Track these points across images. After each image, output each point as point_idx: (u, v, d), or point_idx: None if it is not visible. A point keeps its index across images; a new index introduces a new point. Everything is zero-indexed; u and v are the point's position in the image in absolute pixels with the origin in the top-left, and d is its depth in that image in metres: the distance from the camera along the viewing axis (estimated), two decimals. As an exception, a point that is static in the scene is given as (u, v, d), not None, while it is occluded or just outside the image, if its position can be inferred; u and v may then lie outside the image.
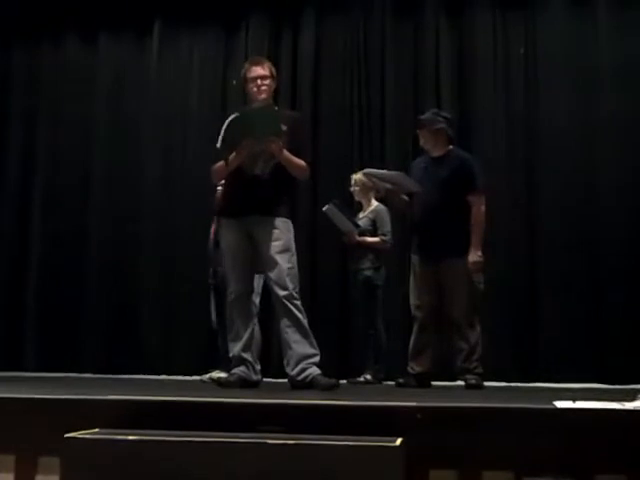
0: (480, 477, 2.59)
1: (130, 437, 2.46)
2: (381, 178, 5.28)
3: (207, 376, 5.61)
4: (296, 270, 4.27)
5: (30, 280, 7.72)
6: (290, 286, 4.18)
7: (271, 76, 4.50)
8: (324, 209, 5.98)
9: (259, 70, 4.47)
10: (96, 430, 2.62)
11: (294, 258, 4.28)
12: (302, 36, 7.66)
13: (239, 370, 4.32)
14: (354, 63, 7.50)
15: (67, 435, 2.50)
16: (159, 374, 6.83)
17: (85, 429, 2.59)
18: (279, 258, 4.20)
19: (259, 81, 4.44)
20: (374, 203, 6.18)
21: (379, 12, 7.51)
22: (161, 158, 7.70)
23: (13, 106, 8.09)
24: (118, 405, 2.83)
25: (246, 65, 4.57)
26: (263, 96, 4.44)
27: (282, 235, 4.25)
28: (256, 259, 4.32)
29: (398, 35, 7.47)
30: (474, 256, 4.91)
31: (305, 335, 4.18)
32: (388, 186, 5.23)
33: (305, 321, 4.21)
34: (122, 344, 7.34)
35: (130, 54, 7.96)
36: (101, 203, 7.72)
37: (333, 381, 4.08)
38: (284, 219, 4.30)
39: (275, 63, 7.46)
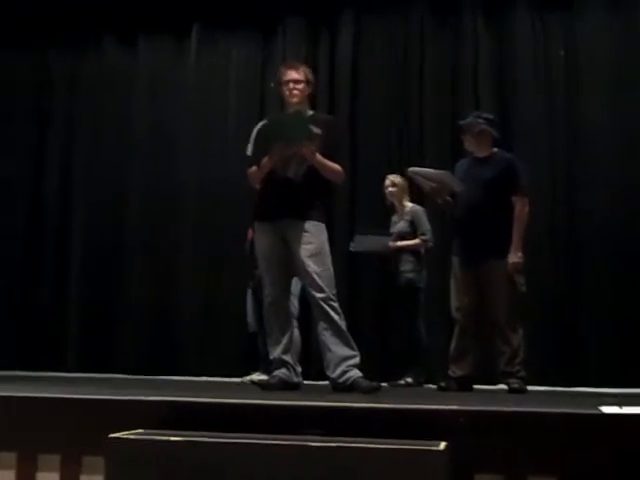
0: (527, 482, 2.55)
1: (173, 438, 2.46)
2: (426, 177, 5.24)
3: (247, 378, 5.63)
4: (331, 272, 4.22)
5: (72, 283, 7.83)
6: (325, 288, 4.15)
7: (306, 81, 4.47)
8: (352, 249, 5.98)
9: (293, 74, 4.46)
10: (140, 430, 2.63)
11: (328, 260, 4.23)
12: (340, 38, 7.68)
13: (280, 372, 4.31)
14: (392, 65, 7.49)
15: (111, 435, 2.52)
16: (198, 376, 6.85)
17: (129, 429, 2.60)
18: (311, 261, 4.17)
19: (292, 84, 4.43)
20: (408, 205, 6.12)
21: (417, 14, 7.51)
22: (199, 160, 7.77)
23: (54, 108, 8.23)
24: (161, 406, 2.84)
25: (281, 69, 4.58)
26: (295, 100, 4.43)
27: (313, 238, 4.21)
28: (291, 262, 4.30)
29: (436, 37, 7.48)
30: (514, 257, 4.87)
31: (343, 337, 4.15)
32: (433, 185, 5.19)
33: (343, 323, 4.17)
34: (162, 345, 7.41)
35: (168, 57, 8.05)
36: (140, 205, 7.82)
37: (374, 384, 4.06)
38: (316, 222, 4.24)
39: (312, 65, 7.50)
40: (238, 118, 7.68)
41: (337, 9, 7.69)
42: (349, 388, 4.03)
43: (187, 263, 7.60)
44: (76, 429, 2.81)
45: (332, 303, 4.17)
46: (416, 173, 5.35)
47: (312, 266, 4.17)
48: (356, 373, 4.09)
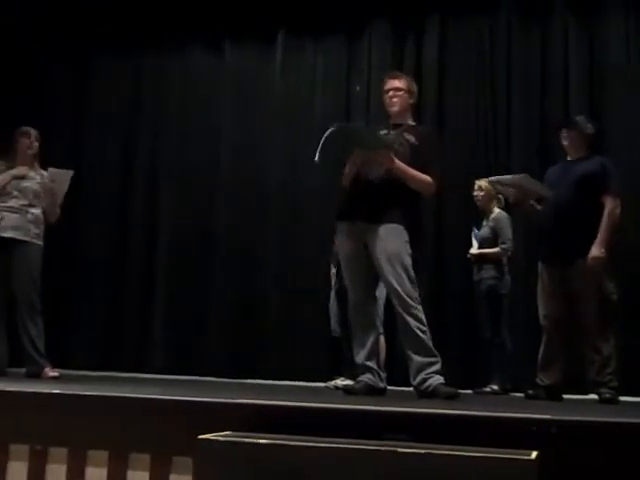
0: (620, 495, 2.48)
1: (261, 441, 2.48)
2: (505, 183, 5.18)
3: (332, 383, 5.63)
4: (411, 276, 4.14)
5: (156, 288, 7.97)
6: (402, 294, 4.09)
7: (407, 90, 4.49)
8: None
9: (395, 82, 4.50)
10: (228, 433, 2.66)
11: (407, 263, 4.14)
12: (426, 40, 7.63)
13: (365, 377, 4.29)
14: (479, 68, 7.40)
15: (200, 436, 2.55)
16: (280, 380, 6.86)
17: (218, 431, 2.63)
18: (389, 265, 4.11)
19: (392, 92, 4.47)
20: (495, 210, 6.08)
21: (504, 16, 7.40)
22: (286, 165, 7.81)
23: (142, 115, 8.39)
24: (249, 409, 2.87)
25: (385, 78, 4.61)
26: (395, 109, 4.46)
27: (391, 241, 4.15)
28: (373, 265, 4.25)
29: (524, 37, 7.36)
30: (596, 251, 4.72)
31: (422, 344, 4.08)
32: (512, 190, 5.12)
33: (424, 328, 4.09)
34: (246, 349, 7.47)
35: (254, 63, 8.12)
36: (226, 207, 7.91)
37: (453, 391, 4.01)
38: (396, 225, 4.18)
39: (398, 69, 7.54)
40: (323, 122, 7.67)
41: (423, 11, 7.64)
42: (430, 395, 3.99)
43: (272, 265, 7.65)
44: (166, 429, 2.86)
45: (411, 310, 4.10)
46: (495, 182, 5.30)
47: (390, 270, 4.12)
48: (437, 380, 4.03)
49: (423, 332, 4.10)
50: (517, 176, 5.17)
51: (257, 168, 7.87)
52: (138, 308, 7.96)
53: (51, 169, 5.46)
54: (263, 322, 7.55)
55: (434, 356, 4.11)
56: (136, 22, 8.20)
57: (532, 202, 5.11)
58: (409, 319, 4.09)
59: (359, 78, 7.72)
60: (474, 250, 6.04)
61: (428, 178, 4.26)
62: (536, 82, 7.21)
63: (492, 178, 5.40)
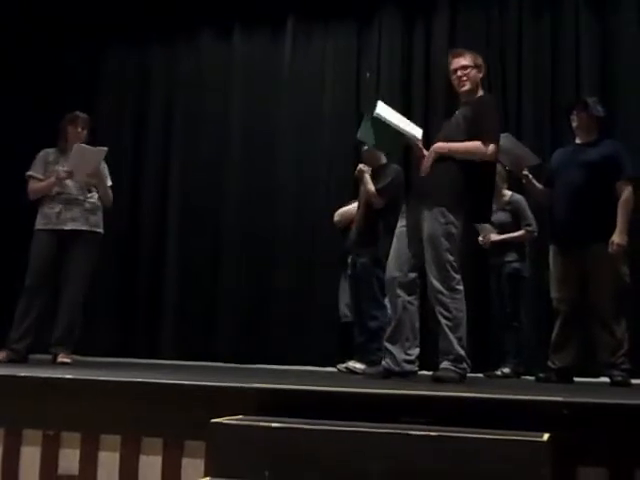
0: (633, 476, 2.47)
1: (274, 424, 2.49)
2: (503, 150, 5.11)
3: (343, 366, 5.63)
4: (446, 259, 4.08)
5: (168, 273, 7.97)
6: (433, 278, 4.08)
7: (475, 66, 4.38)
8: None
9: (461, 61, 4.38)
10: (240, 417, 2.67)
11: (442, 248, 4.09)
12: (435, 29, 7.57)
13: (384, 361, 4.29)
14: (489, 58, 7.30)
15: (213, 420, 2.56)
16: (290, 364, 6.84)
17: (230, 415, 2.64)
18: (429, 246, 4.12)
19: (460, 72, 4.36)
20: (507, 193, 6.02)
21: (515, 6, 7.34)
22: (295, 151, 7.78)
23: (151, 101, 8.37)
24: (262, 393, 2.87)
25: (449, 58, 4.49)
26: (466, 88, 4.37)
27: (429, 226, 4.14)
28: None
29: (535, 22, 7.29)
30: (619, 238, 4.70)
31: (451, 329, 4.05)
32: (505, 157, 5.06)
33: (457, 314, 4.06)
34: (255, 334, 7.49)
35: (264, 50, 8.08)
36: (235, 197, 7.88)
37: (457, 376, 4.00)
38: (442, 208, 4.14)
39: (408, 56, 7.54)
40: (334, 109, 7.69)
41: (433, -1, 7.59)
42: (436, 379, 3.98)
43: (281, 252, 7.64)
44: (178, 414, 2.88)
45: (442, 297, 4.07)
46: None
47: (428, 251, 4.12)
48: (447, 365, 4.03)
49: (449, 321, 4.05)
50: (512, 143, 5.11)
51: (267, 154, 7.84)
52: (150, 295, 7.96)
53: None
54: (274, 307, 7.55)
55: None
56: (145, 8, 8.18)
57: (529, 176, 5.08)
58: (439, 308, 4.08)
59: (369, 64, 7.68)
60: (496, 236, 5.93)
61: (476, 143, 4.20)
62: (547, 70, 7.15)
63: None
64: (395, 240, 4.36)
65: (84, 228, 5.36)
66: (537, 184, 5.15)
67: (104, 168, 5.53)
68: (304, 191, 7.70)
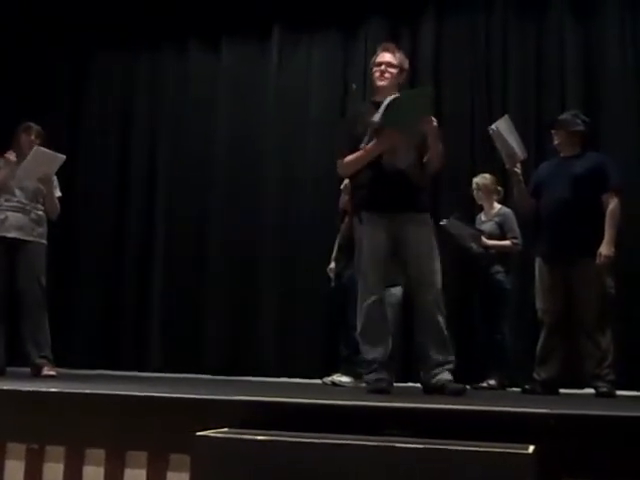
0: (616, 488, 2.48)
1: (259, 437, 2.48)
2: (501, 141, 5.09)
3: (329, 379, 5.63)
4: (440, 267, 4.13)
5: (155, 284, 7.94)
6: (436, 285, 4.09)
7: (399, 67, 4.35)
8: (442, 223, 5.77)
9: (387, 56, 4.34)
10: (225, 429, 2.66)
11: (437, 253, 4.14)
12: (421, 38, 7.58)
13: (386, 375, 4.16)
14: (475, 65, 7.37)
15: (198, 434, 2.55)
16: (276, 376, 6.84)
17: (215, 428, 2.63)
18: (429, 256, 4.11)
19: (384, 67, 4.31)
20: (497, 206, 6.08)
21: (500, 13, 7.37)
22: (281, 160, 7.78)
23: (136, 110, 8.36)
24: (247, 406, 2.86)
25: (378, 50, 4.44)
26: (383, 83, 4.31)
27: (428, 232, 4.15)
28: (399, 257, 4.19)
29: (520, 34, 7.31)
30: (607, 250, 4.73)
31: (443, 341, 4.06)
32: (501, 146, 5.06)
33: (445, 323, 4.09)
34: (240, 346, 7.46)
35: (250, 59, 8.07)
36: (222, 204, 7.86)
37: (460, 387, 4.00)
38: (427, 214, 4.18)
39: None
40: (320, 118, 7.68)
41: (419, 7, 7.60)
42: (438, 390, 3.97)
43: (267, 263, 7.62)
44: (163, 427, 2.86)
45: (439, 303, 4.08)
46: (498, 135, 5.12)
47: (429, 261, 4.10)
48: (446, 376, 4.03)
49: (446, 328, 4.08)
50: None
51: (253, 163, 7.83)
52: (135, 307, 7.92)
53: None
54: (260, 320, 7.52)
55: (451, 355, 4.10)
56: (131, 17, 8.17)
57: (520, 176, 5.06)
58: (438, 314, 4.06)
59: (355, 74, 7.69)
60: (486, 241, 5.94)
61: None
62: (531, 79, 7.18)
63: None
64: (372, 254, 4.26)
65: (29, 239, 5.34)
66: (524, 187, 5.14)
67: (55, 179, 5.51)
68: (290, 201, 7.69)
